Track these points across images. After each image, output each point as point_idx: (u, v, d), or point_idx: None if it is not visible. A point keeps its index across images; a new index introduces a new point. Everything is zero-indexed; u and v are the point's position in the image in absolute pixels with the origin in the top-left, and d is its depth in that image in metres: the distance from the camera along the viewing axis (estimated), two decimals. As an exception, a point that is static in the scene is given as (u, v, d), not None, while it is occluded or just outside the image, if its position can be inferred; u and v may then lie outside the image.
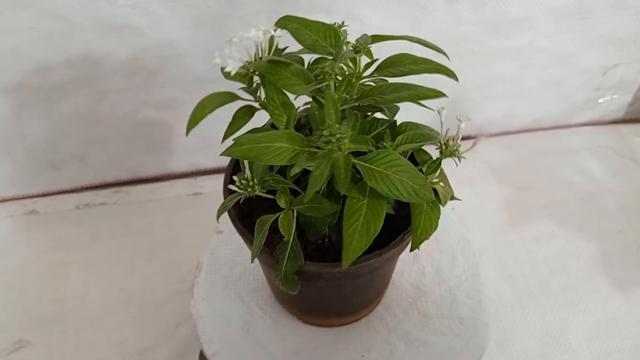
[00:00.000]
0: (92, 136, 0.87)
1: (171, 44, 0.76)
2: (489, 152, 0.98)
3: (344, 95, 0.48)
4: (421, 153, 0.51)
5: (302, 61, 0.51)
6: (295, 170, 0.43)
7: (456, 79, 0.46)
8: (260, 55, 0.49)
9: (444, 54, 0.48)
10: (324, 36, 0.48)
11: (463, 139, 1.02)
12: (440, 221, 0.47)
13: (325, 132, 0.41)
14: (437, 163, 0.48)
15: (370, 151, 0.44)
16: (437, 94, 0.44)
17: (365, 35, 0.49)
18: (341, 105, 0.47)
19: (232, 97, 0.51)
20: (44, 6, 0.69)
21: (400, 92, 0.44)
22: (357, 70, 0.49)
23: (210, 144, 0.92)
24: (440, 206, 0.48)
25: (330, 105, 0.43)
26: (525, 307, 0.77)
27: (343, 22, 0.51)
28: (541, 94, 0.96)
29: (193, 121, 0.51)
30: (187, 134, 0.49)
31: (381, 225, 0.43)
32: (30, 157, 0.87)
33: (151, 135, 0.89)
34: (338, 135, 0.41)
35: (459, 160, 0.49)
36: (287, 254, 0.48)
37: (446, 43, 0.82)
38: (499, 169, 0.95)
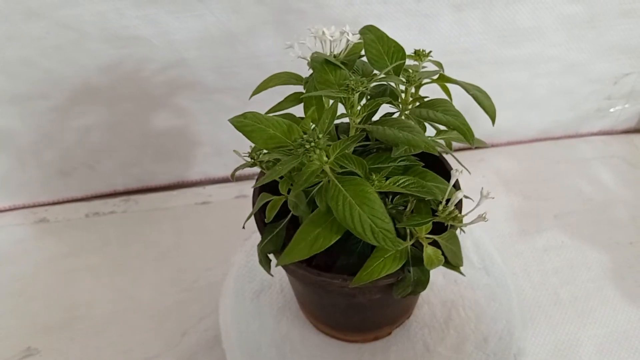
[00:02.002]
0: (102, 145, 0.87)
1: (179, 54, 0.77)
2: (499, 161, 0.97)
3: (356, 112, 0.48)
4: (421, 204, 0.50)
5: (368, 71, 0.52)
6: (266, 157, 0.45)
7: (472, 142, 0.47)
8: (332, 52, 0.52)
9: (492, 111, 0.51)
10: (388, 53, 0.50)
11: (468, 149, 1.01)
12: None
13: (305, 136, 0.42)
14: (426, 220, 0.48)
15: (358, 175, 0.44)
16: (428, 148, 0.44)
17: (428, 71, 0.51)
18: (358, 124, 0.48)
19: (297, 79, 0.54)
20: (53, 16, 0.70)
21: (400, 133, 0.44)
22: (405, 98, 0.50)
23: (219, 153, 0.93)
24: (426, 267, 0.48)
25: (327, 115, 0.43)
26: (535, 319, 0.76)
27: (428, 52, 0.52)
28: (551, 103, 0.95)
29: (258, 89, 0.53)
30: (249, 98, 0.52)
31: (330, 243, 0.43)
32: (40, 165, 0.88)
33: (160, 145, 0.90)
34: (313, 143, 0.41)
35: (462, 231, 0.49)
36: (269, 236, 0.51)
37: (454, 52, 0.83)
38: (509, 178, 0.94)
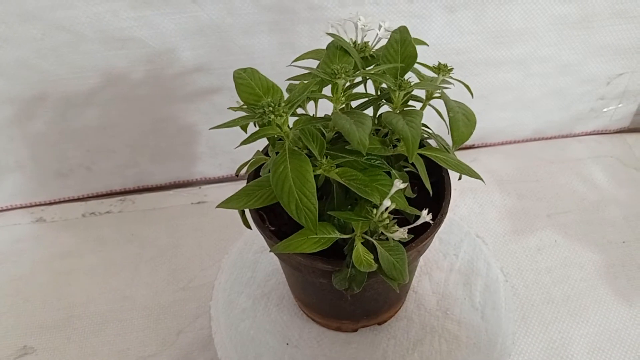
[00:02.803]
0: (99, 145, 0.88)
1: (174, 55, 0.77)
2: (493, 161, 0.98)
3: (338, 97, 0.49)
4: (367, 204, 0.49)
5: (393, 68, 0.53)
6: (227, 107, 0.47)
7: (410, 157, 0.46)
8: (361, 40, 0.54)
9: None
10: (403, 55, 0.51)
11: (462, 148, 1.02)
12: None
13: (269, 100, 0.45)
14: (344, 214, 0.48)
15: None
16: (359, 146, 0.43)
17: (423, 83, 0.52)
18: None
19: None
20: (49, 18, 0.70)
21: (347, 124, 0.44)
22: (396, 101, 0.51)
23: (214, 153, 0.93)
24: None
25: (299, 90, 0.45)
26: (527, 318, 0.77)
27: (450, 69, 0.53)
28: (545, 104, 0.96)
29: (298, 59, 0.56)
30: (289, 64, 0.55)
31: (259, 206, 0.47)
32: (37, 166, 0.88)
33: (156, 145, 0.90)
34: (271, 108, 0.44)
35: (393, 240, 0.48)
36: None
37: (447, 53, 0.84)
38: (502, 178, 0.95)
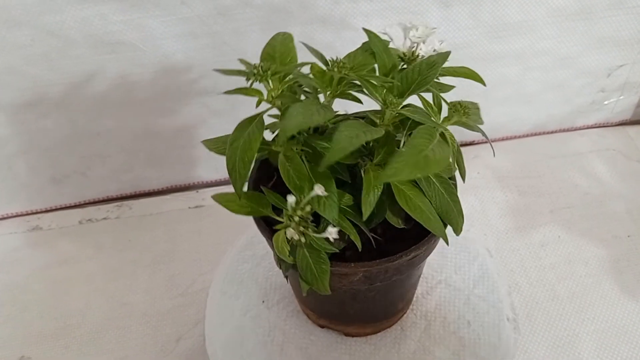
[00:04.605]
0: (93, 151, 0.87)
1: (166, 58, 0.76)
2: (493, 158, 0.96)
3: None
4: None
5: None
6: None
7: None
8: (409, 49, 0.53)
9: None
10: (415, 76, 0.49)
11: (464, 145, 1.01)
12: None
13: (262, 64, 0.44)
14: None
15: None
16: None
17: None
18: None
19: None
20: (37, 24, 0.69)
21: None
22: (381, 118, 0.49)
23: (211, 156, 0.92)
24: None
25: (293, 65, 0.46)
26: (532, 316, 0.76)
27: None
28: (545, 97, 0.94)
29: None
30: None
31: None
32: (31, 173, 0.87)
33: (151, 149, 0.89)
34: (261, 69, 0.44)
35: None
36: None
37: (444, 49, 0.82)
38: (504, 174, 0.94)
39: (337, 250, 0.48)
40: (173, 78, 0.79)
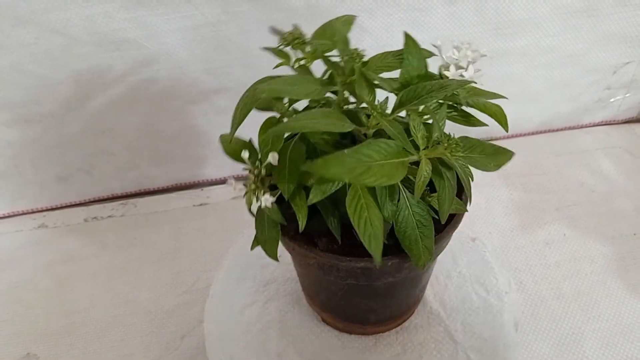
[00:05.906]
0: (98, 149, 0.87)
1: (170, 56, 0.76)
2: (499, 155, 0.96)
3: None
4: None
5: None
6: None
7: None
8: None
9: None
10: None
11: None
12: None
13: (291, 32, 0.48)
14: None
15: None
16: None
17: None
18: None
19: None
20: (42, 22, 0.70)
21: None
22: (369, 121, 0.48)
23: (215, 154, 0.92)
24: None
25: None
26: (537, 314, 0.75)
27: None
28: (550, 95, 0.94)
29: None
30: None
31: None
32: (37, 171, 0.88)
33: (156, 147, 0.89)
34: (294, 38, 0.48)
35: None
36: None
37: (449, 46, 0.82)
38: (509, 172, 0.93)
39: (279, 221, 0.47)
40: (178, 76, 0.79)
